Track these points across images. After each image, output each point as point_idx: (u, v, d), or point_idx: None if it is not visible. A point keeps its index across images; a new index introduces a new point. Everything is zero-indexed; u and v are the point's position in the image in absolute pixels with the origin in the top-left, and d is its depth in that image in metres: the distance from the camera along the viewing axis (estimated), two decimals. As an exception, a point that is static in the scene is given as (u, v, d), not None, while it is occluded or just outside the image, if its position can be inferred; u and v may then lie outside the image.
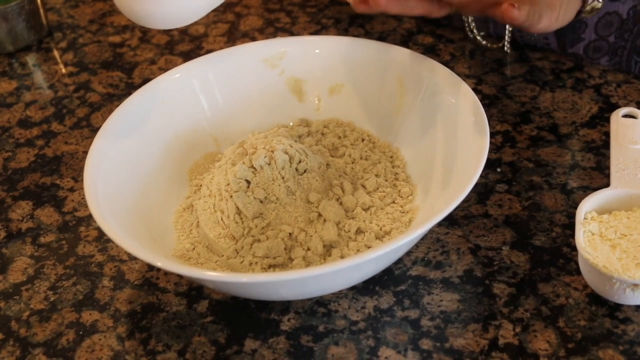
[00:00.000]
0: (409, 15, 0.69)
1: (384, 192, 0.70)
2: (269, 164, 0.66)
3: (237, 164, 0.67)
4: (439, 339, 0.61)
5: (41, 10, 1.01)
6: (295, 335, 0.62)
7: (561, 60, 0.88)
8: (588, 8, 0.75)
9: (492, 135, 0.70)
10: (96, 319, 0.65)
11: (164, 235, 0.69)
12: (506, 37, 0.88)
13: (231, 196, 0.66)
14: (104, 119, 0.86)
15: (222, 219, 0.67)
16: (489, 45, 0.90)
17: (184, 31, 1.02)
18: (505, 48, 0.89)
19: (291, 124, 0.79)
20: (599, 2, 0.74)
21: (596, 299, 0.62)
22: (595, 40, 0.85)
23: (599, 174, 0.73)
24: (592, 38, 0.85)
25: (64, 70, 0.97)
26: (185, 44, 0.99)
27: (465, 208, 0.71)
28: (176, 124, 0.75)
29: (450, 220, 0.70)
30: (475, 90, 0.84)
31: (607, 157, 0.75)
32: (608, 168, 0.72)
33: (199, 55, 0.96)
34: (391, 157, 0.75)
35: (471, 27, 0.90)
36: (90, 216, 0.75)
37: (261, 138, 0.72)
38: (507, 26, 0.87)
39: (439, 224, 0.70)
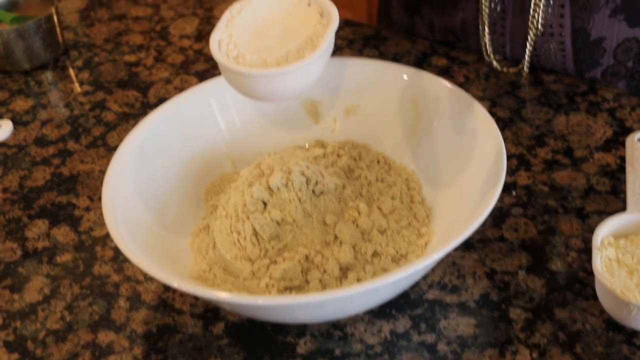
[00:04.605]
0: None
1: (399, 214, 0.70)
2: (285, 186, 0.67)
3: (254, 185, 0.68)
4: (455, 364, 0.61)
5: (57, 29, 1.02)
6: (311, 359, 0.62)
7: (575, 84, 0.88)
8: None
9: (507, 158, 0.70)
10: (112, 339, 0.66)
11: (180, 256, 0.69)
12: (525, 60, 0.88)
13: (248, 217, 0.66)
14: (120, 138, 0.87)
15: (238, 240, 0.67)
16: (505, 69, 0.90)
17: (199, 51, 1.02)
18: (524, 71, 0.89)
19: (307, 145, 0.79)
20: None
21: (613, 325, 0.62)
22: (614, 65, 0.85)
23: (614, 199, 0.73)
24: (610, 63, 0.85)
25: (79, 89, 0.98)
26: (201, 64, 1.00)
27: (481, 232, 0.71)
28: (193, 144, 0.76)
29: (466, 244, 0.70)
30: (489, 112, 0.84)
31: (622, 182, 0.75)
32: (624, 192, 0.72)
33: (214, 75, 0.96)
34: (407, 179, 0.75)
35: (488, 51, 0.90)
36: (106, 236, 0.75)
37: (277, 159, 0.72)
38: (527, 49, 0.87)
39: (455, 248, 0.69)
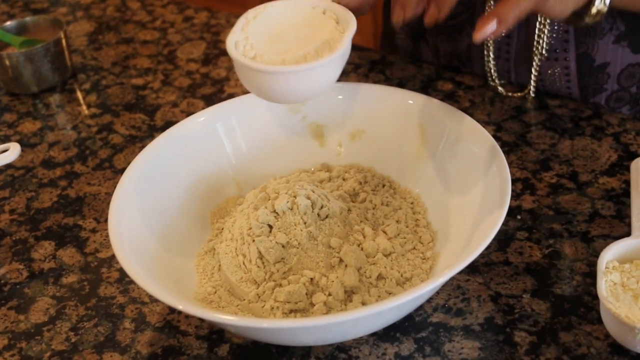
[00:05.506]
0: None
1: (404, 238, 0.70)
2: (291, 209, 0.67)
3: (259, 208, 0.68)
4: (460, 388, 0.61)
5: (66, 52, 1.03)
6: (316, 381, 0.62)
7: (580, 108, 0.88)
8: (594, 10, 0.71)
9: (512, 182, 0.70)
10: (117, 361, 0.66)
11: (185, 278, 0.69)
12: (530, 85, 0.89)
13: (253, 240, 0.66)
14: (126, 160, 0.87)
15: (244, 263, 0.67)
16: (510, 94, 0.91)
17: (206, 74, 1.03)
18: (529, 96, 0.90)
19: (312, 169, 0.80)
20: (605, 5, 0.71)
21: (618, 349, 0.62)
22: (618, 91, 0.86)
23: (619, 223, 0.74)
24: (614, 88, 0.86)
25: (87, 112, 0.99)
26: (207, 88, 1.00)
27: (486, 255, 0.71)
28: (199, 167, 0.76)
29: (470, 267, 0.70)
30: (494, 137, 0.84)
31: (627, 206, 0.75)
32: (629, 217, 0.72)
33: (220, 98, 0.97)
34: (412, 203, 0.75)
35: (493, 76, 0.91)
36: (112, 257, 0.75)
37: (283, 183, 0.72)
38: (532, 74, 0.88)
39: (460, 271, 0.69)
